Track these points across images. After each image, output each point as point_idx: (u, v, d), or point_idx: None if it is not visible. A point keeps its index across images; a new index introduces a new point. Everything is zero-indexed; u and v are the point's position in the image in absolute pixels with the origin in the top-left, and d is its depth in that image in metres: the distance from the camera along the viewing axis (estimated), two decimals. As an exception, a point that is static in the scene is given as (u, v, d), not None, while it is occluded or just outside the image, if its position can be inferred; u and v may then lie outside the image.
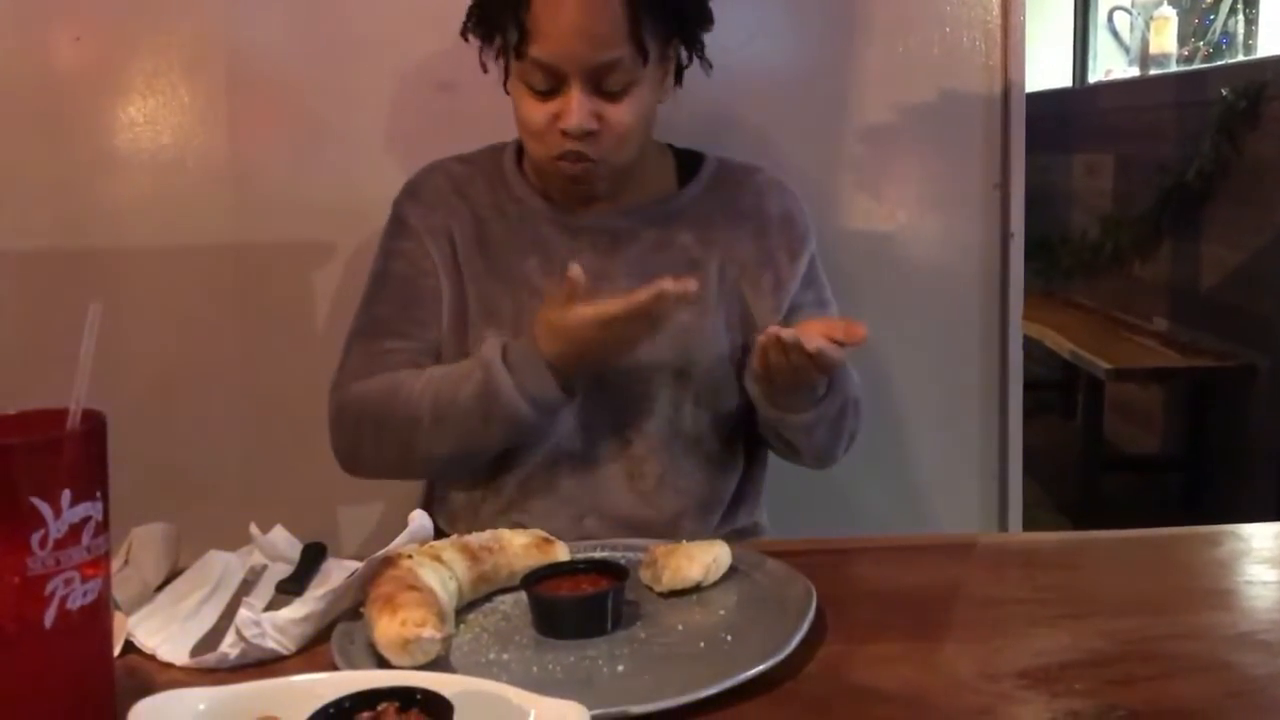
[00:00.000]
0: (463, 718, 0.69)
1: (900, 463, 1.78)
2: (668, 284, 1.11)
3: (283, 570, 1.05)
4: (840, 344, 1.13)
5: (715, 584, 1.01)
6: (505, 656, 0.90)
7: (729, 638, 0.92)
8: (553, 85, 1.24)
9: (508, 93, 1.30)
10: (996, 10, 1.69)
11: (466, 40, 1.32)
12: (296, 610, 0.92)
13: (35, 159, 1.64)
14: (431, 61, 1.63)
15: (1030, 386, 1.88)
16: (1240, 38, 4.75)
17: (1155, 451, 4.20)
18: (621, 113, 1.25)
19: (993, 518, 1.79)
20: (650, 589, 1.01)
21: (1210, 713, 0.80)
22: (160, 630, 0.94)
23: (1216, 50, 4.83)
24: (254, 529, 1.07)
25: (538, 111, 1.25)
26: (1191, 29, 4.97)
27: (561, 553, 1.03)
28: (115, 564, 0.97)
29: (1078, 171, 4.93)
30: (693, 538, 1.05)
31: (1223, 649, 0.89)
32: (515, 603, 0.99)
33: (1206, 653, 0.89)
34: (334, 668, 0.86)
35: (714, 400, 1.35)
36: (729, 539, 1.09)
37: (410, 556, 0.95)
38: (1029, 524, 1.88)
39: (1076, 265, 4.65)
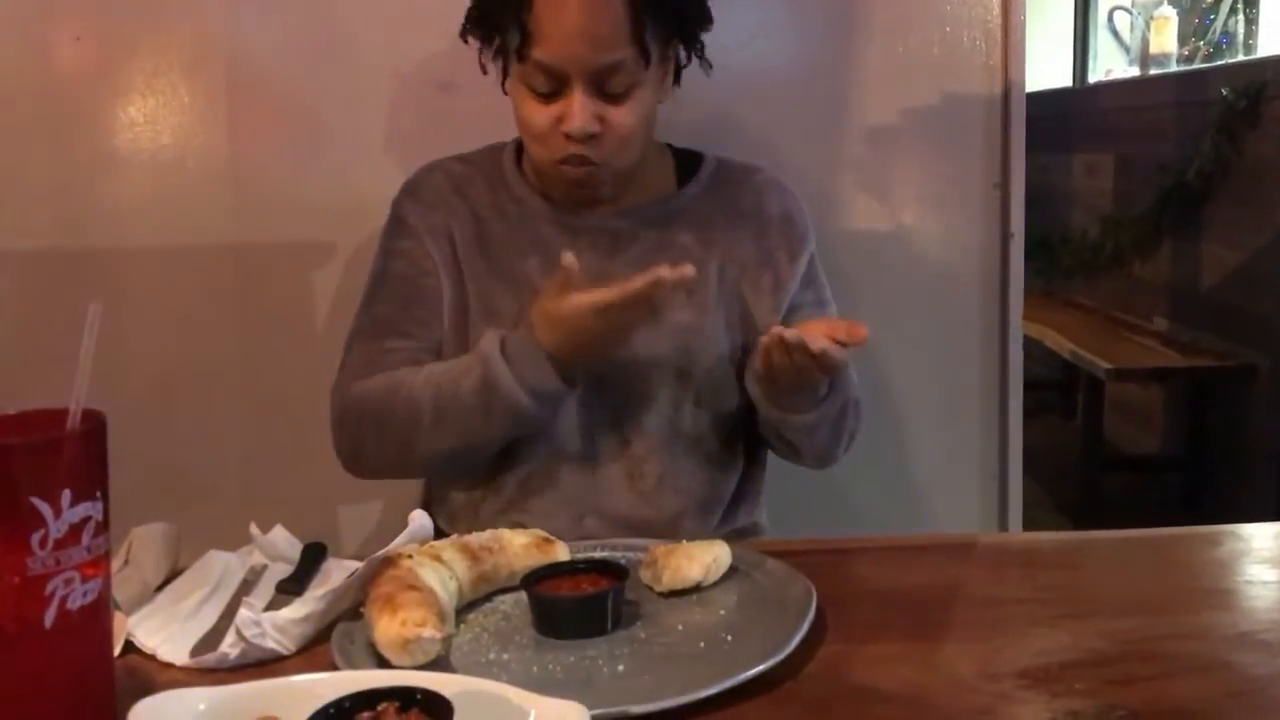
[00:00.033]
0: (463, 718, 0.69)
1: (900, 463, 1.78)
2: (664, 271, 1.11)
3: (283, 570, 1.05)
4: (842, 344, 1.13)
5: (715, 584, 1.01)
6: (505, 656, 0.90)
7: (729, 638, 0.92)
8: (555, 88, 1.24)
9: (506, 93, 1.30)
10: (997, 10, 1.69)
11: (466, 42, 1.31)
12: (296, 610, 0.92)
13: (35, 159, 1.65)
14: (431, 61, 1.63)
15: (1030, 386, 1.88)
16: (1240, 37, 4.75)
17: (1155, 451, 4.20)
18: (624, 115, 1.25)
19: (993, 518, 1.79)
20: (650, 589, 1.01)
21: (1210, 713, 0.80)
22: (160, 630, 0.94)
23: (1217, 50, 4.83)
24: (254, 529, 1.07)
25: (540, 114, 1.25)
26: (1192, 29, 4.97)
27: (561, 553, 1.03)
28: (115, 564, 0.97)
29: (1078, 171, 4.93)
30: (693, 538, 1.05)
31: (1223, 649, 0.89)
32: (515, 603, 0.99)
33: (1207, 653, 0.89)
34: (334, 668, 0.86)
35: (714, 400, 1.35)
36: (729, 539, 1.08)
37: (410, 556, 0.95)
38: (1029, 524, 1.88)
39: (1076, 265, 4.65)
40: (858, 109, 1.72)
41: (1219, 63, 4.66)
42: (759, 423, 1.35)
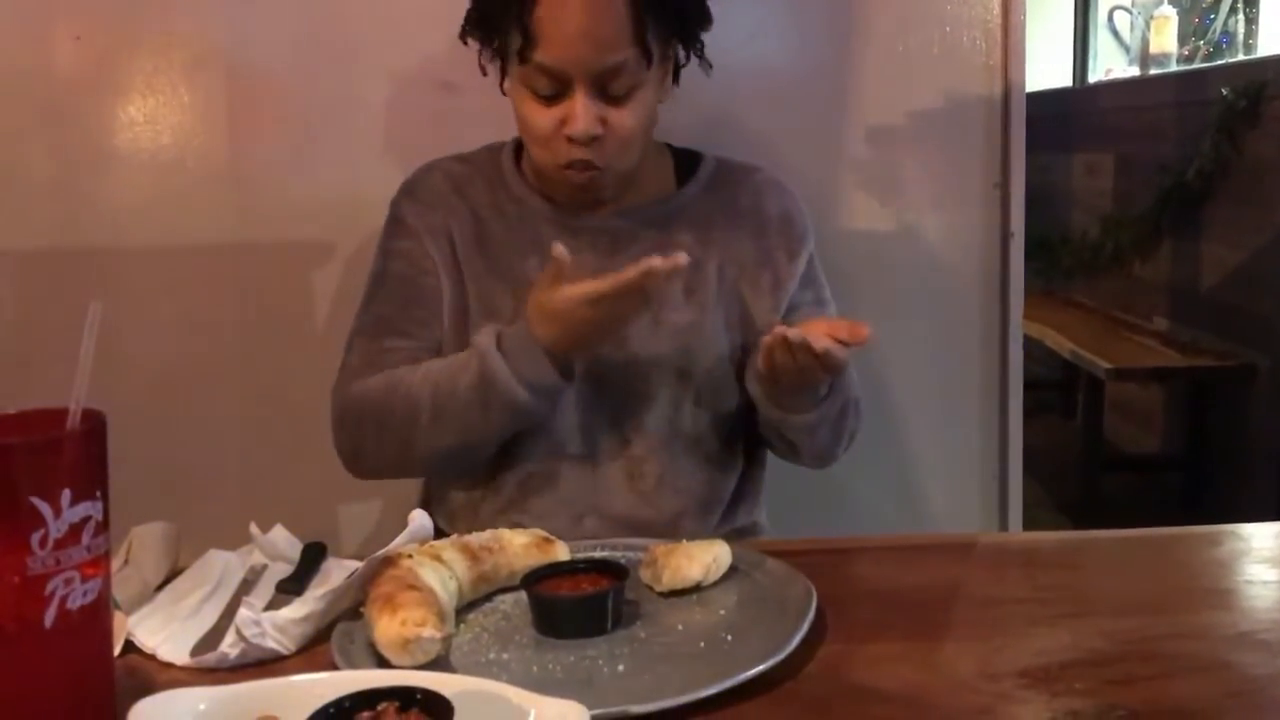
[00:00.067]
0: (463, 718, 0.69)
1: (900, 463, 1.78)
2: (656, 261, 1.10)
3: (283, 570, 1.05)
4: (844, 344, 1.13)
5: (715, 584, 1.01)
6: (505, 656, 0.90)
7: (729, 637, 0.92)
8: (556, 90, 1.23)
9: (505, 94, 1.30)
10: (997, 10, 1.69)
11: (465, 43, 1.31)
12: (296, 610, 0.92)
13: (35, 158, 1.65)
14: (431, 61, 1.63)
15: (1030, 386, 1.88)
16: (1240, 37, 4.75)
17: (1155, 451, 4.20)
18: (626, 117, 1.25)
19: (993, 517, 1.79)
20: (650, 588, 1.01)
21: (1210, 713, 0.80)
22: (160, 630, 0.94)
23: (1217, 50, 4.83)
24: (254, 528, 1.07)
25: (542, 118, 1.25)
26: (1192, 28, 4.98)
27: (561, 552, 1.03)
28: (115, 563, 0.97)
29: (1078, 171, 4.93)
30: (692, 537, 1.05)
31: (1223, 649, 0.89)
32: (515, 602, 0.99)
33: (1206, 653, 0.89)
34: (334, 667, 0.86)
35: (714, 400, 1.35)
36: (728, 538, 1.08)
37: (410, 556, 0.95)
38: (1029, 524, 1.88)
39: (1077, 265, 4.65)
40: (858, 109, 1.72)
41: (1219, 62, 4.66)
42: (759, 422, 1.35)
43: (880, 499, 1.77)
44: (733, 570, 1.03)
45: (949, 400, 1.78)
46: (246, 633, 0.88)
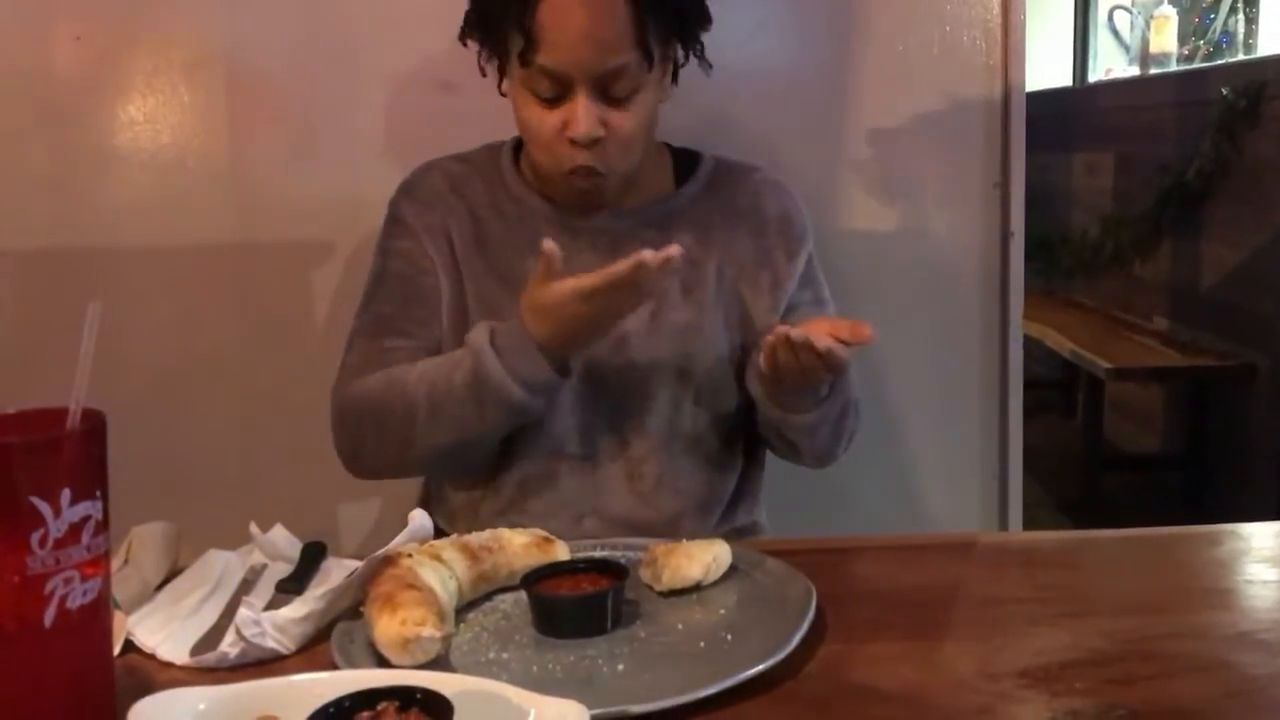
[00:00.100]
0: (463, 717, 0.69)
1: (900, 462, 1.78)
2: (647, 254, 1.10)
3: (282, 569, 1.05)
4: (846, 343, 1.13)
5: (715, 583, 1.01)
6: (505, 656, 0.90)
7: (729, 637, 0.92)
8: (558, 93, 1.23)
9: (503, 94, 1.30)
10: (996, 9, 1.69)
11: (465, 45, 1.31)
12: (296, 609, 0.92)
13: (35, 157, 1.65)
14: (431, 61, 1.63)
15: (1030, 386, 1.88)
16: (1240, 37, 4.75)
17: (1155, 451, 4.20)
18: (627, 119, 1.25)
19: (993, 517, 1.79)
20: (650, 588, 1.01)
21: (1210, 712, 0.80)
22: (160, 629, 0.94)
23: (1217, 49, 4.83)
24: (254, 528, 1.07)
25: (544, 121, 1.25)
26: (1192, 28, 4.97)
27: (561, 552, 1.03)
28: (115, 563, 0.97)
29: (1078, 171, 4.93)
30: (692, 537, 1.05)
31: (1222, 648, 0.89)
32: (515, 602, 0.99)
33: (1206, 652, 0.89)
34: (334, 667, 0.86)
35: (713, 400, 1.35)
36: (728, 538, 1.08)
37: (410, 555, 0.95)
38: (1029, 523, 1.88)
39: (1077, 265, 4.65)
40: (857, 109, 1.72)
41: (1219, 62, 4.66)
42: (759, 422, 1.35)
43: (880, 499, 1.77)
44: (732, 570, 1.03)
45: (949, 400, 1.78)
46: (246, 632, 0.88)
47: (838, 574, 1.04)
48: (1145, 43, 5.05)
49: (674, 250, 1.11)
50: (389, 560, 0.94)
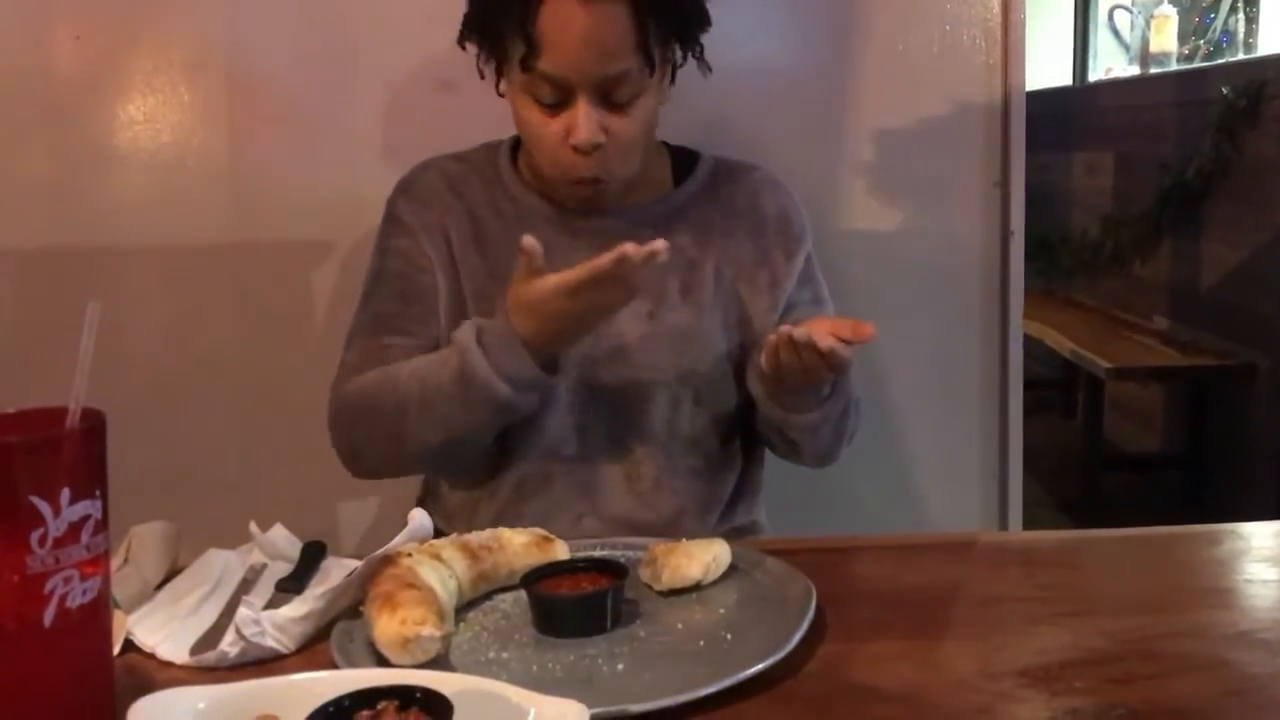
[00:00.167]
0: (462, 717, 0.69)
1: (900, 462, 1.78)
2: (629, 247, 1.09)
3: (282, 569, 1.05)
4: (848, 342, 1.13)
5: (715, 582, 1.01)
6: (505, 655, 0.90)
7: (729, 636, 0.92)
8: (559, 98, 1.23)
9: (501, 95, 1.30)
10: (997, 9, 1.69)
11: (464, 48, 1.31)
12: (296, 609, 0.92)
13: (35, 157, 1.65)
14: (431, 61, 1.63)
15: (1030, 385, 1.88)
16: (1240, 36, 4.75)
17: (1155, 450, 4.20)
18: (628, 124, 1.25)
19: (993, 516, 1.79)
20: (650, 587, 1.01)
21: (1210, 711, 0.80)
22: (160, 629, 0.94)
23: (1217, 49, 4.83)
24: (253, 527, 1.07)
25: (546, 128, 1.24)
26: (1192, 27, 4.98)
27: (561, 551, 1.03)
28: (115, 562, 0.97)
29: (1078, 170, 4.93)
30: (692, 537, 1.05)
31: (1222, 648, 0.89)
32: (515, 601, 0.99)
33: (1206, 651, 0.89)
34: (334, 666, 0.86)
35: (712, 401, 1.35)
36: (727, 537, 1.08)
37: (410, 555, 0.95)
38: (1029, 523, 1.88)
39: (1077, 264, 4.65)
40: (857, 108, 1.72)
41: (1219, 61, 4.66)
42: (759, 422, 1.35)
43: (880, 498, 1.77)
44: (732, 569, 1.03)
45: (949, 400, 1.78)
46: (246, 631, 0.88)
47: (838, 574, 1.04)
48: (1145, 42, 5.05)
49: (659, 245, 1.09)
50: (389, 559, 0.94)
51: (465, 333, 1.21)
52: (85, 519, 0.73)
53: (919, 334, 1.74)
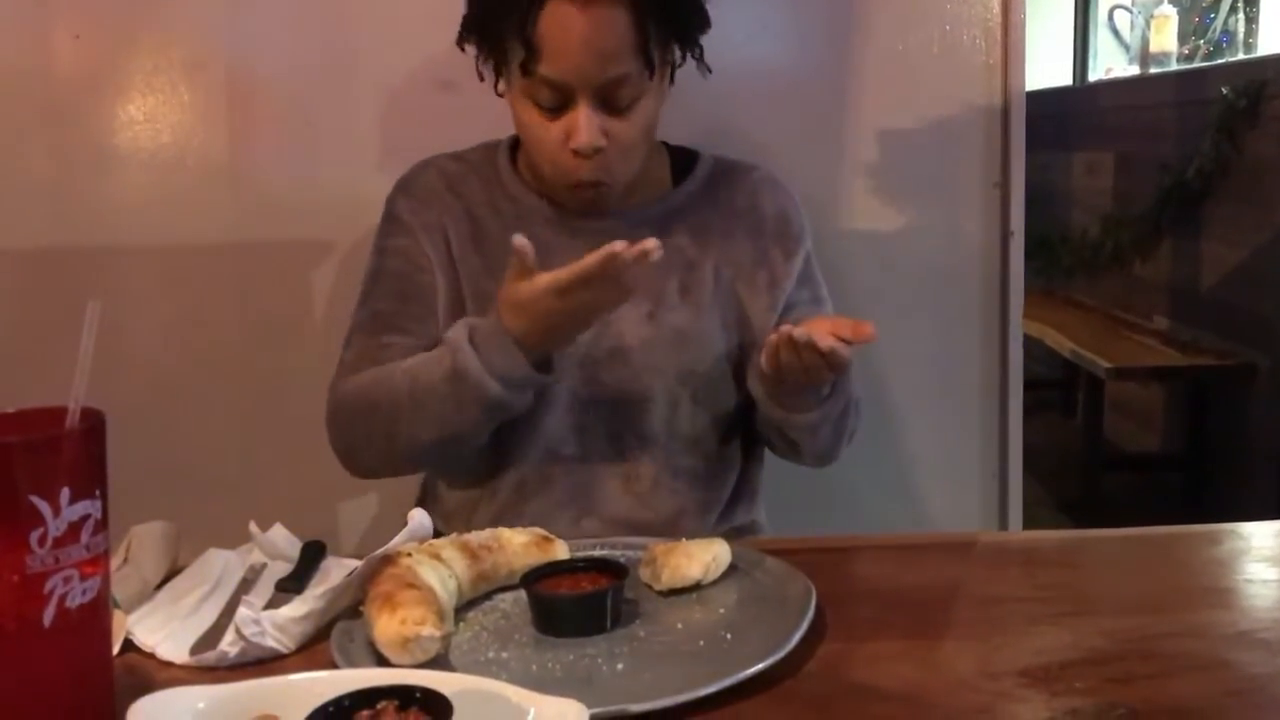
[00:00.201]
0: (462, 716, 0.69)
1: (900, 461, 1.78)
2: (618, 245, 1.08)
3: (282, 568, 1.05)
4: (848, 342, 1.13)
5: (715, 582, 1.01)
6: (505, 655, 0.90)
7: (729, 636, 0.92)
8: (560, 102, 1.23)
9: (500, 95, 1.30)
10: (996, 9, 1.69)
11: (463, 50, 1.31)
12: (296, 609, 0.92)
13: (34, 156, 1.64)
14: (431, 62, 1.63)
15: (1030, 385, 1.88)
16: (1240, 36, 4.75)
17: (1155, 450, 4.20)
18: (628, 128, 1.25)
19: (993, 516, 1.79)
20: (650, 587, 1.01)
21: (1210, 711, 0.80)
22: (160, 628, 0.94)
23: (1217, 49, 4.83)
24: (253, 527, 1.07)
25: (547, 131, 1.24)
26: (1192, 27, 4.98)
27: (561, 551, 1.03)
28: (115, 562, 0.97)
29: (1078, 170, 4.93)
30: (691, 537, 1.05)
31: (1222, 647, 0.89)
32: (515, 601, 0.99)
33: (1206, 651, 0.89)
34: (333, 666, 0.86)
35: (711, 401, 1.35)
36: (727, 537, 1.08)
37: (410, 555, 0.95)
38: (1029, 522, 1.88)
39: (1077, 264, 4.65)
40: (857, 108, 1.72)
41: (1219, 61, 4.66)
42: (760, 422, 1.35)
43: (880, 498, 1.76)
44: (732, 569, 1.03)
45: (949, 400, 1.77)
46: (246, 631, 0.88)
47: (837, 573, 1.04)
48: (1145, 42, 5.05)
49: (651, 244, 1.09)
50: (388, 559, 0.94)
51: (458, 331, 1.21)
52: (85, 519, 0.73)
53: (919, 334, 1.74)
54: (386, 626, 0.85)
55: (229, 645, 0.88)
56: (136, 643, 0.92)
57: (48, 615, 0.72)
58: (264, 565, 1.06)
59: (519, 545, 1.02)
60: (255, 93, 1.66)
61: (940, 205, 1.74)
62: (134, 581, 1.00)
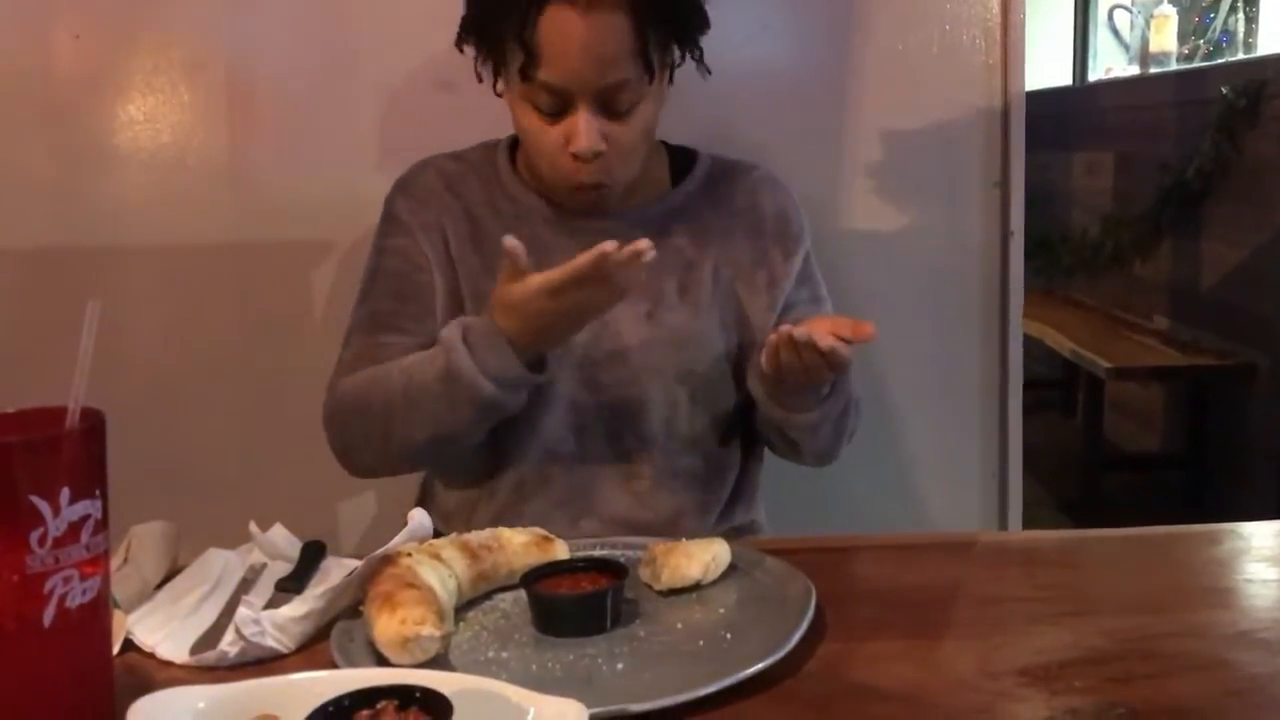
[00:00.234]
0: (462, 716, 0.69)
1: (900, 461, 1.78)
2: (609, 245, 1.08)
3: (282, 568, 1.05)
4: (848, 341, 1.13)
5: (714, 582, 1.01)
6: (504, 655, 0.90)
7: (728, 636, 0.92)
8: (559, 106, 1.23)
9: (498, 95, 1.30)
10: (996, 8, 1.69)
11: (462, 51, 1.31)
12: (296, 608, 0.92)
13: (34, 156, 1.64)
14: (431, 62, 1.63)
15: (1030, 385, 1.88)
16: (1240, 36, 4.75)
17: (1155, 450, 4.20)
18: (628, 132, 1.25)
19: (993, 516, 1.79)
20: (649, 587, 1.01)
21: (1209, 711, 0.80)
22: (160, 628, 0.94)
23: (1216, 48, 4.83)
24: (253, 527, 1.07)
25: (546, 135, 1.24)
26: (1191, 27, 4.98)
27: (561, 551, 1.03)
28: (115, 562, 0.97)
29: (1078, 170, 4.93)
30: (691, 537, 1.05)
31: (1222, 647, 0.89)
32: (515, 601, 0.99)
33: (1206, 651, 0.89)
34: (333, 666, 0.86)
35: (711, 400, 1.35)
36: (727, 537, 1.08)
37: (409, 554, 0.95)
38: (1029, 522, 1.88)
39: (1077, 264, 4.65)
40: (857, 108, 1.72)
41: (1219, 61, 4.66)
42: (760, 421, 1.35)
43: (880, 498, 1.76)
44: (732, 569, 1.03)
45: (949, 400, 1.77)
46: (246, 631, 0.88)
47: (837, 573, 1.04)
48: (1145, 42, 5.05)
49: (643, 244, 1.09)
50: (388, 559, 0.94)
51: (451, 331, 1.21)
52: (85, 519, 0.73)
53: (919, 334, 1.74)
54: (386, 626, 0.85)
55: (229, 645, 0.88)
56: (136, 642, 0.92)
57: (48, 615, 0.72)
58: (264, 565, 1.06)
59: (519, 545, 1.02)
60: (255, 93, 1.66)
61: (940, 205, 1.74)
62: (134, 581, 1.00)
